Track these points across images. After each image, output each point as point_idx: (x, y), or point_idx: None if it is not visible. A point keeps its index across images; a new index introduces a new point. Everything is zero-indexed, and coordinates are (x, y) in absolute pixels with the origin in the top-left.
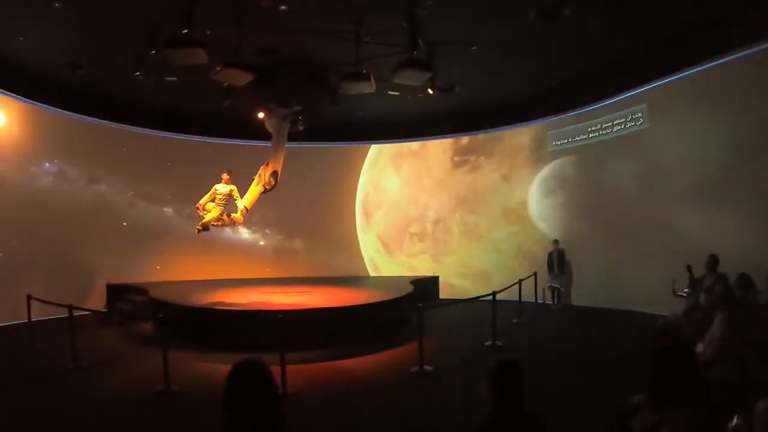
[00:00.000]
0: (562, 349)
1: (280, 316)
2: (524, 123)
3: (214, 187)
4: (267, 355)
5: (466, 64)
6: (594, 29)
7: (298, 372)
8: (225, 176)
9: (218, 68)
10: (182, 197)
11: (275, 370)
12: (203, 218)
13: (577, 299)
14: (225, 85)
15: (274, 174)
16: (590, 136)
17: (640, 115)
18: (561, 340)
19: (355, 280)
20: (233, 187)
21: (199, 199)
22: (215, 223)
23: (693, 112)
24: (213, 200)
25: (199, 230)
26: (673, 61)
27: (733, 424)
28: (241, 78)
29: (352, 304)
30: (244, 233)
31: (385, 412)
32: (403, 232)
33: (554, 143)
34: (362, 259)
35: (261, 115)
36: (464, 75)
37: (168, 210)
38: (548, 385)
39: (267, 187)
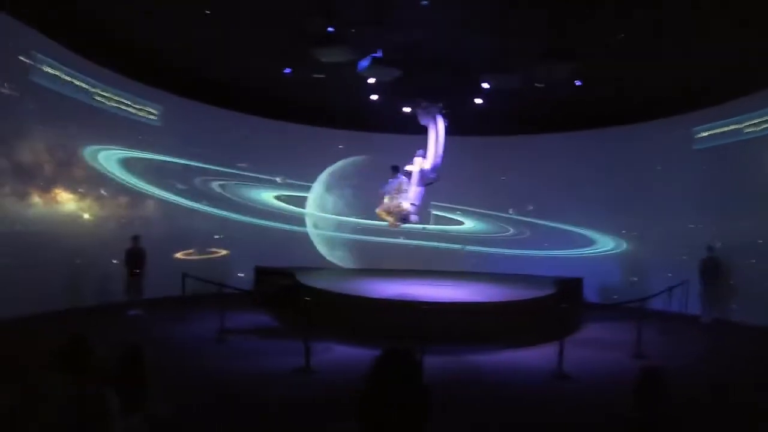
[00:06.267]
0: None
1: (423, 307)
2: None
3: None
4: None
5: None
6: None
7: (438, 365)
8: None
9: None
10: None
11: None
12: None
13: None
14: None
15: (434, 169)
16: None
17: None
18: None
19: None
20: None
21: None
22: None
23: None
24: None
25: (396, 225)
26: None
27: None
28: (386, 74)
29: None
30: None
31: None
32: None
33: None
34: None
35: (407, 109)
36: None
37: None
38: None
39: (426, 182)
